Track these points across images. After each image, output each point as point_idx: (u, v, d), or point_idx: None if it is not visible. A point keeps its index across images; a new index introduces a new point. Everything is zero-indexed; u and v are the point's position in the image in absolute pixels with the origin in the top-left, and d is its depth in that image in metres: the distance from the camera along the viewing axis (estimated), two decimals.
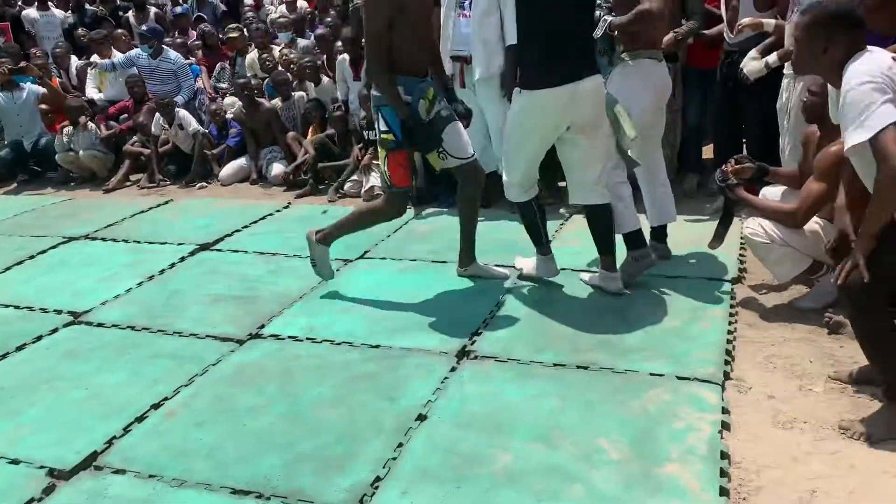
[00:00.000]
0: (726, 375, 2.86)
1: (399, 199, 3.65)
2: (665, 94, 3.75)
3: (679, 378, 2.84)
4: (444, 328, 3.39)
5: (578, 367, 2.98)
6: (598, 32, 3.44)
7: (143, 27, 7.34)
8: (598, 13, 3.50)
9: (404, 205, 3.74)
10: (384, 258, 4.37)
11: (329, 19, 7.16)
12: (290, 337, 3.45)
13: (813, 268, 3.37)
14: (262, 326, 3.58)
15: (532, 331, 3.32)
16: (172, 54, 7.02)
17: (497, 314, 3.50)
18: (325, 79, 6.52)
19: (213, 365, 3.23)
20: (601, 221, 3.53)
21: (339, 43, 6.29)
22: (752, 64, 4.05)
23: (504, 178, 3.61)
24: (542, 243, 3.71)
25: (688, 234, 4.16)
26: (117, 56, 7.22)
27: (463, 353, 3.15)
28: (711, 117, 4.80)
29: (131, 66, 7.08)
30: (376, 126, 3.56)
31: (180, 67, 7.00)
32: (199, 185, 6.34)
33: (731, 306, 3.43)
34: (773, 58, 3.97)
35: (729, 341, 3.11)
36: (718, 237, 3.62)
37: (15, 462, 2.65)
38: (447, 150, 3.59)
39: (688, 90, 4.98)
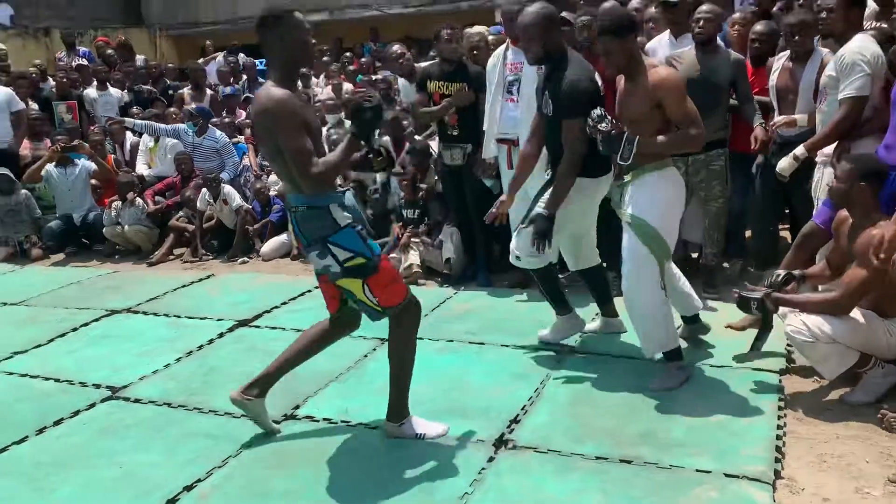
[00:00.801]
0: (777, 474, 2.73)
1: (409, 311, 3.08)
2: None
3: (727, 476, 2.72)
4: (482, 414, 3.32)
5: (622, 460, 2.87)
6: (629, 157, 3.24)
7: (193, 106, 7.61)
8: (605, 126, 3.31)
9: (417, 314, 3.14)
10: (421, 338, 4.28)
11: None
12: (325, 419, 3.40)
13: (861, 361, 3.25)
14: (298, 407, 3.54)
15: (573, 420, 3.23)
16: (217, 133, 7.25)
17: (536, 401, 3.43)
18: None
19: (248, 447, 3.19)
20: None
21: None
22: (783, 161, 4.05)
23: (523, 252, 3.72)
24: (565, 302, 3.93)
25: (731, 322, 4.07)
26: (163, 126, 7.46)
27: (501, 443, 3.07)
28: (755, 205, 4.74)
29: (176, 136, 7.29)
30: (328, 263, 2.91)
31: (223, 146, 7.21)
32: (241, 260, 6.44)
33: (780, 399, 3.31)
34: (800, 150, 3.97)
35: (778, 437, 2.99)
36: (757, 347, 3.55)
37: None
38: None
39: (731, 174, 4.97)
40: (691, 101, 3.30)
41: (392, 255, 5.78)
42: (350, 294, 3.00)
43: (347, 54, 10.60)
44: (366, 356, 4.13)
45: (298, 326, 4.60)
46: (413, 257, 5.55)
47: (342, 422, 3.36)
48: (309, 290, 5.39)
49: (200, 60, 10.20)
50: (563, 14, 4.27)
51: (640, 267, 3.36)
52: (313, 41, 2.98)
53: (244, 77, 9.13)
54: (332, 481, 2.88)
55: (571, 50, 3.74)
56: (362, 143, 2.93)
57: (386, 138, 5.85)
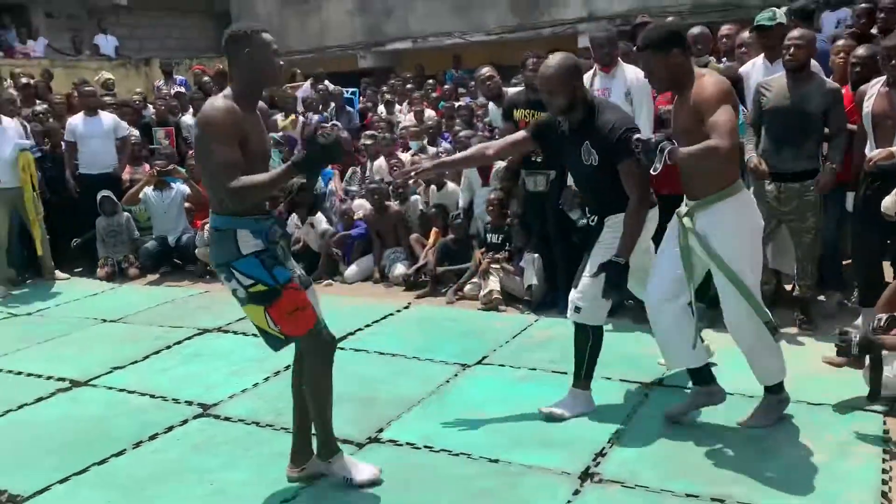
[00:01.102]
0: None
1: (317, 342, 2.98)
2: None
3: None
4: (567, 445, 3.28)
5: (713, 499, 2.77)
6: (658, 166, 3.07)
7: (279, 135, 7.84)
8: (651, 137, 3.20)
9: (329, 349, 3.02)
10: (502, 365, 4.33)
11: (457, 128, 7.43)
12: (408, 444, 3.42)
13: None
14: (381, 430, 3.58)
15: (662, 454, 3.15)
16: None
17: (624, 433, 3.35)
18: (449, 184, 6.71)
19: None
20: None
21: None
22: (886, 200, 3.84)
23: (590, 305, 3.51)
24: (591, 377, 3.65)
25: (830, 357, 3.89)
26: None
27: (586, 475, 3.02)
28: (855, 238, 4.51)
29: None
30: (234, 287, 2.87)
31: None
32: (326, 282, 6.57)
33: (885, 441, 3.13)
34: None
35: (885, 481, 2.83)
36: (875, 394, 3.30)
37: None
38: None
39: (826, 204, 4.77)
40: (731, 112, 2.99)
41: (472, 280, 5.80)
42: (252, 321, 2.95)
43: (430, 81, 10.77)
44: (448, 381, 4.14)
45: (381, 349, 4.68)
46: (493, 283, 5.54)
47: (425, 447, 3.37)
48: (391, 314, 5.46)
49: (287, 86, 10.56)
50: None
51: (739, 300, 3.18)
52: (280, 62, 2.91)
53: (332, 105, 9.38)
54: None
55: (596, 97, 3.69)
56: (300, 173, 2.85)
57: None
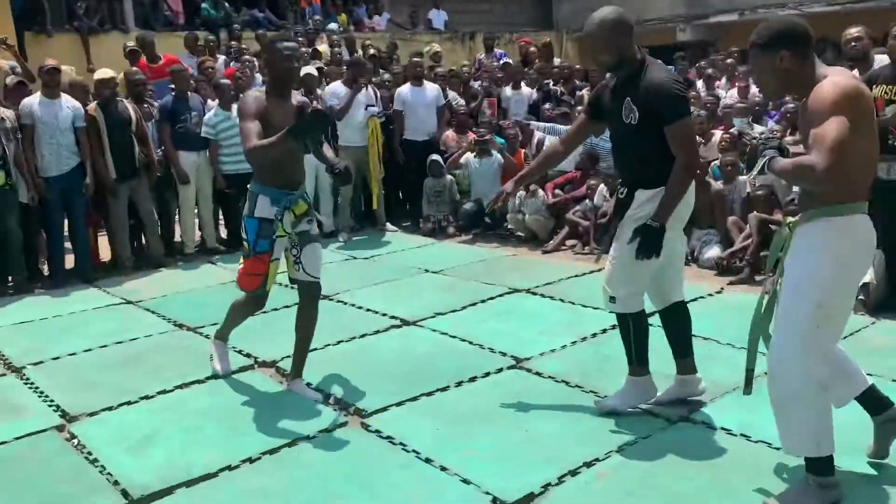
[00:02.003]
0: None
1: (251, 300, 3.96)
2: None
3: None
4: None
5: None
6: (755, 172, 2.70)
7: None
8: (759, 145, 2.72)
9: (256, 303, 3.98)
10: None
11: (792, 105, 6.87)
12: (722, 429, 3.32)
13: None
14: (694, 411, 3.51)
15: None
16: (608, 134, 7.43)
17: None
18: None
19: (644, 438, 3.26)
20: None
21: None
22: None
23: (623, 292, 3.36)
24: (646, 362, 3.46)
25: None
26: (563, 128, 7.85)
27: None
28: None
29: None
30: (244, 236, 3.80)
31: None
32: None
33: None
34: None
35: None
36: None
37: (466, 482, 2.99)
38: (303, 264, 3.73)
39: None
40: (843, 124, 2.42)
41: None
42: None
43: None
44: (766, 373, 3.90)
45: (692, 331, 4.54)
46: None
47: (741, 434, 3.25)
48: (701, 297, 5.27)
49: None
50: None
51: (794, 336, 2.62)
52: (295, 65, 3.74)
53: None
54: (729, 492, 2.80)
55: (650, 58, 3.32)
56: (293, 139, 3.27)
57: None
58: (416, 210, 8.18)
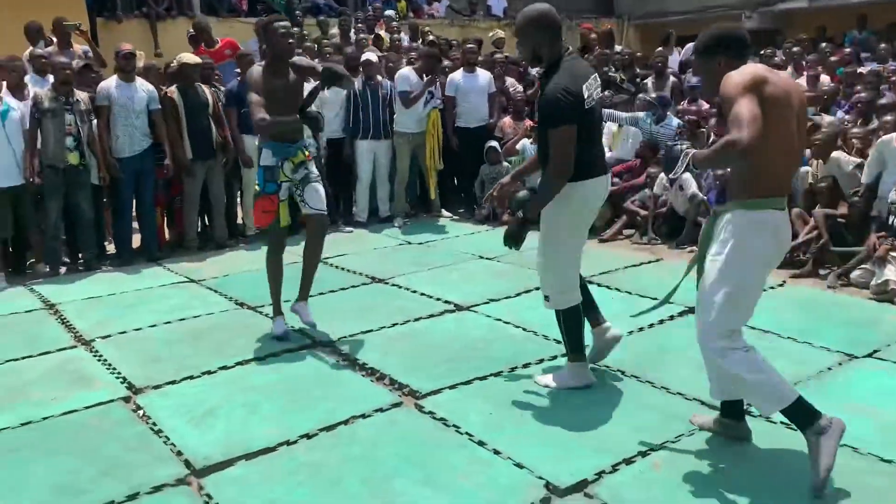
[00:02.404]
0: None
1: (273, 245, 4.60)
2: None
3: None
4: None
5: None
6: (680, 171, 2.89)
7: (653, 95, 7.73)
8: (679, 146, 2.65)
9: (277, 241, 4.60)
10: None
11: (864, 94, 6.65)
12: (781, 422, 3.24)
13: None
14: (750, 404, 3.44)
15: None
16: (674, 122, 7.29)
17: None
18: (841, 156, 6.06)
19: (700, 430, 3.22)
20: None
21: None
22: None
23: (550, 290, 3.61)
24: (581, 349, 3.67)
25: None
26: (623, 115, 7.74)
27: None
28: None
29: (634, 124, 7.55)
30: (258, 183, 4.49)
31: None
32: (690, 248, 6.42)
33: None
34: None
35: None
36: None
37: (519, 466, 3.01)
38: (307, 201, 4.43)
39: None
40: (752, 102, 2.60)
41: (863, 266, 5.21)
42: None
43: (824, 45, 9.72)
44: (829, 369, 3.83)
45: (753, 323, 4.42)
46: (890, 272, 4.92)
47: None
48: (763, 290, 5.14)
49: (659, 49, 10.37)
50: None
51: (708, 320, 2.90)
52: (290, 41, 4.38)
53: None
54: (791, 489, 2.75)
55: (570, 58, 3.40)
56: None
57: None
58: (470, 197, 8.19)
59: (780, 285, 5.28)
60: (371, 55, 7.84)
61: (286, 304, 4.60)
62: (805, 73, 8.55)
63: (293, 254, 4.97)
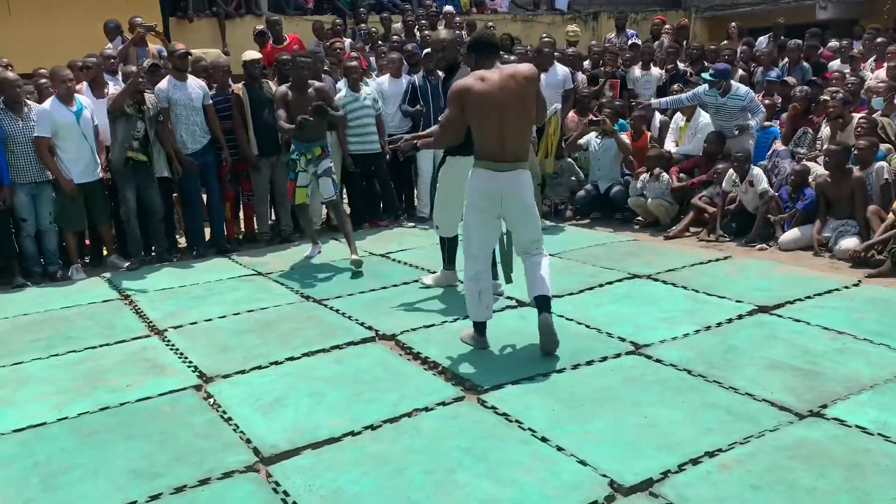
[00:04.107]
0: None
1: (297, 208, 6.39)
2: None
3: None
4: None
5: None
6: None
7: (710, 71, 7.42)
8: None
9: (302, 210, 6.32)
10: None
11: None
12: (857, 426, 3.14)
13: None
14: (825, 406, 3.34)
15: None
16: (742, 90, 7.06)
17: None
18: None
19: (771, 431, 3.14)
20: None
21: None
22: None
23: (442, 222, 5.30)
24: (453, 262, 5.41)
25: None
26: (683, 96, 7.53)
27: None
28: None
29: (697, 100, 7.34)
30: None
31: (750, 101, 7.01)
32: (759, 246, 6.26)
33: None
34: None
35: None
36: None
37: (582, 463, 2.98)
38: (321, 191, 5.99)
39: None
40: (450, 111, 4.07)
41: None
42: None
43: None
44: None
45: (825, 324, 4.33)
46: None
47: (879, 434, 3.06)
48: (837, 289, 4.99)
49: (724, 42, 10.10)
50: None
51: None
52: (306, 72, 5.92)
53: (785, 59, 8.72)
54: (867, 494, 2.66)
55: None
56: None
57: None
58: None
59: (856, 285, 5.09)
60: (430, 50, 7.88)
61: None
62: (887, 62, 8.18)
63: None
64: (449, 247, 5.38)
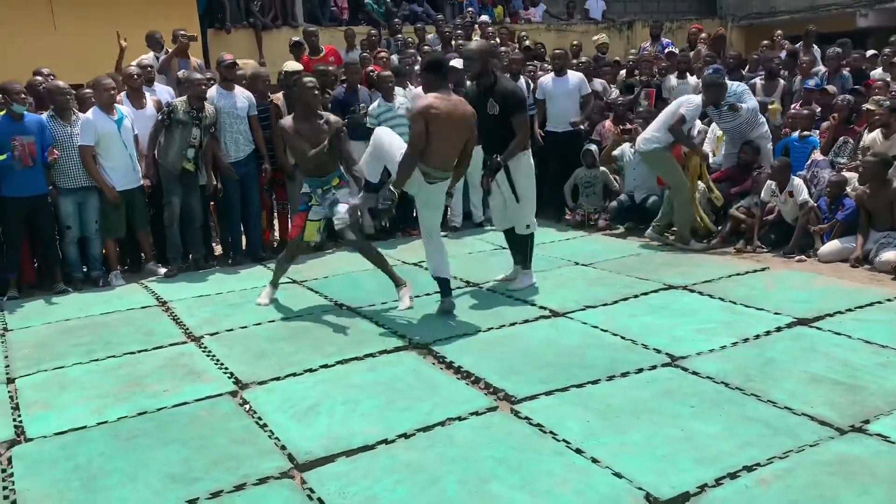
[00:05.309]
0: None
1: (290, 245, 5.65)
2: None
3: None
4: None
5: None
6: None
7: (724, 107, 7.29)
8: None
9: (293, 251, 5.57)
10: None
11: None
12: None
13: None
14: (867, 422, 3.27)
15: None
16: (733, 86, 7.00)
17: None
18: None
19: (811, 446, 3.08)
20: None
21: None
22: None
23: (528, 221, 5.55)
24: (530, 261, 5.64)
25: None
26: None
27: None
28: None
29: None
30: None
31: (737, 95, 6.91)
32: (798, 257, 6.15)
33: None
34: None
35: None
36: None
37: (618, 475, 2.95)
38: (334, 218, 5.13)
39: None
40: (415, 126, 4.72)
41: None
42: None
43: None
44: None
45: (867, 338, 4.25)
46: None
47: None
48: (879, 302, 4.88)
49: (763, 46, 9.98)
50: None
51: None
52: (316, 94, 5.27)
53: (823, 69, 8.58)
54: None
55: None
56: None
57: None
58: (558, 202, 8.08)
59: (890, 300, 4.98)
60: (457, 62, 7.91)
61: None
62: None
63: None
64: (531, 244, 5.60)
